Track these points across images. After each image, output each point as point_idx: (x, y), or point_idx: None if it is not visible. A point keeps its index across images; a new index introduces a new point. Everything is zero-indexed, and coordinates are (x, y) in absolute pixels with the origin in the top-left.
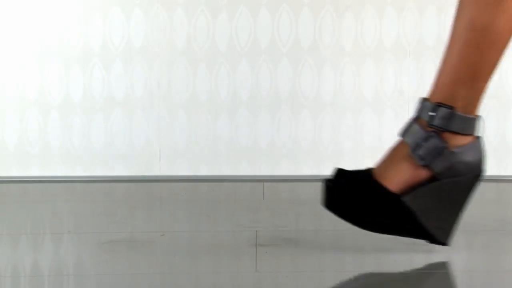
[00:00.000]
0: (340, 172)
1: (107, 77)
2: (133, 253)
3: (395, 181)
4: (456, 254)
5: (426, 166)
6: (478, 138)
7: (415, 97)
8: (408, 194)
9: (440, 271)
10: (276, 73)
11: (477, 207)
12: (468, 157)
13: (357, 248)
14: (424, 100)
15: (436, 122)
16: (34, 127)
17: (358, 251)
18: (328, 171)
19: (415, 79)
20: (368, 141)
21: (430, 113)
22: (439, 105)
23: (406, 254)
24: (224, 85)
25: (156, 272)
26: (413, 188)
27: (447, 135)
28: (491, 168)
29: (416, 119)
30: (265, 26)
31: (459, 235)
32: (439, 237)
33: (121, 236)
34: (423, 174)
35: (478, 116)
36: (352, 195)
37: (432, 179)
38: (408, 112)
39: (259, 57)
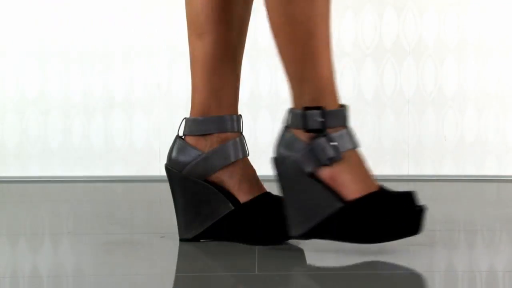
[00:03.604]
0: None
1: (107, 77)
2: (132, 254)
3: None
4: (456, 254)
5: None
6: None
7: (415, 97)
8: None
9: (440, 271)
10: (277, 73)
11: (477, 207)
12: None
13: (357, 248)
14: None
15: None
16: (34, 127)
17: (358, 252)
18: None
19: (415, 79)
20: (368, 141)
21: None
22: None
23: (406, 254)
24: None
25: (156, 273)
26: None
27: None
28: (491, 168)
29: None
30: (266, 26)
31: (459, 235)
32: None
33: (120, 237)
34: None
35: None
36: None
37: None
38: (408, 112)
39: (260, 57)
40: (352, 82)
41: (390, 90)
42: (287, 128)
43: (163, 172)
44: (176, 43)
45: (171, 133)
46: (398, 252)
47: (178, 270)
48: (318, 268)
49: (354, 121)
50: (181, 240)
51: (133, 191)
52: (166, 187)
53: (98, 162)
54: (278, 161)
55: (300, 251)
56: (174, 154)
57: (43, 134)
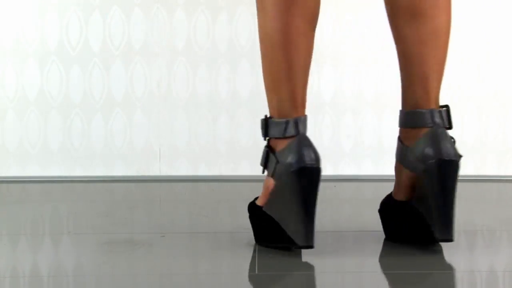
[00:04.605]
0: None
1: (107, 77)
2: (132, 254)
3: (261, 197)
4: (456, 254)
5: (269, 175)
6: (295, 137)
7: None
8: (265, 204)
9: (440, 271)
10: None
11: (477, 207)
12: (284, 157)
13: (357, 248)
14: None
15: (262, 132)
16: (34, 127)
17: (358, 252)
18: (328, 171)
19: None
20: (368, 141)
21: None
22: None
23: (406, 254)
24: (224, 85)
25: (155, 273)
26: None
27: (272, 142)
28: (491, 168)
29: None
30: None
31: (459, 235)
32: (298, 241)
33: (121, 236)
34: (271, 182)
35: (292, 118)
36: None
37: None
38: None
39: (259, 57)
40: (352, 82)
41: (390, 90)
42: (443, 128)
43: (163, 172)
44: (176, 43)
45: (171, 133)
46: (398, 252)
47: (178, 270)
48: (319, 269)
49: (355, 121)
50: (301, 247)
51: (133, 191)
52: (166, 187)
53: (98, 162)
54: (455, 163)
55: (300, 251)
56: (312, 153)
57: (43, 134)
